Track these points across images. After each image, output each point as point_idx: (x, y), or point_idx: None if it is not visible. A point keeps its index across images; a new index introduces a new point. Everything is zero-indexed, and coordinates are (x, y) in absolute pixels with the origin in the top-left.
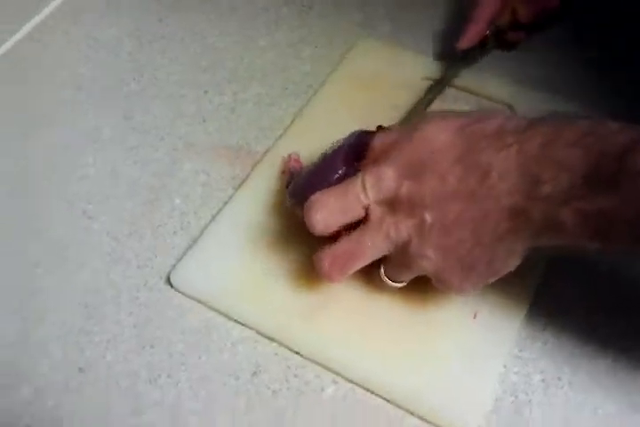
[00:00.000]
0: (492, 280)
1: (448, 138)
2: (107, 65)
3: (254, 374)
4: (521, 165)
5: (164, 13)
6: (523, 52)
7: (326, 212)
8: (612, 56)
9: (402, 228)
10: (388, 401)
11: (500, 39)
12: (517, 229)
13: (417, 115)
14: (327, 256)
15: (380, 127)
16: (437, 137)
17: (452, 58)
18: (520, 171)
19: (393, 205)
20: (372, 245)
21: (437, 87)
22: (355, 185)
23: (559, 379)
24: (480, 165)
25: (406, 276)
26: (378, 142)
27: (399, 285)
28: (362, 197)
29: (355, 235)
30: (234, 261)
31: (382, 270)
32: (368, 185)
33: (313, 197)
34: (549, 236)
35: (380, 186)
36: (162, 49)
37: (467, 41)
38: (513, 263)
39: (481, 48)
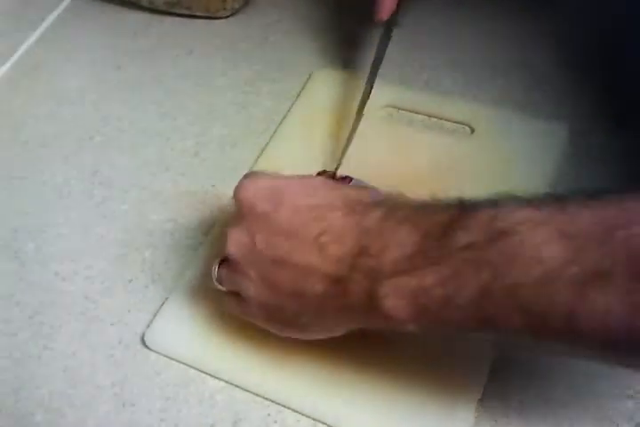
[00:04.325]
0: (299, 336)
1: (318, 189)
2: (71, 119)
3: (234, 423)
4: (356, 235)
5: (121, 60)
6: (477, 70)
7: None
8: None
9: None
10: None
11: None
12: (333, 295)
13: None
14: None
15: (323, 172)
16: (312, 183)
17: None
18: (352, 241)
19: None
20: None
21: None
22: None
23: None
24: (322, 222)
25: (231, 285)
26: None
27: (222, 288)
28: None
29: None
30: (204, 316)
31: (216, 268)
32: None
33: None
34: (371, 315)
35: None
36: (123, 98)
37: (387, 10)
38: (324, 330)
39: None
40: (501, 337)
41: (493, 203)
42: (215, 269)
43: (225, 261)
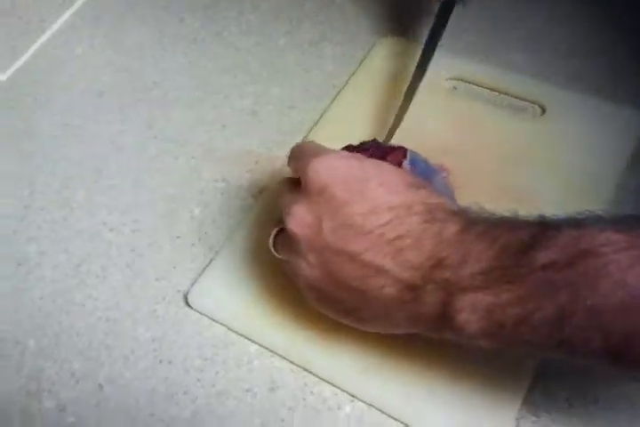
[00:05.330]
0: (353, 325)
1: (399, 186)
2: (129, 70)
3: (271, 390)
4: (434, 245)
5: (184, 13)
6: (552, 50)
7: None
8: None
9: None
10: (405, 425)
11: None
12: (404, 301)
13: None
14: None
15: (373, 141)
16: (392, 179)
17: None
18: (430, 251)
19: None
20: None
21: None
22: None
23: None
24: (400, 225)
25: (287, 256)
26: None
27: (279, 256)
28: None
29: None
30: (250, 280)
31: (272, 238)
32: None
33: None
34: (440, 326)
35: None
36: (183, 51)
37: None
38: (382, 328)
39: None
40: (577, 359)
41: (576, 222)
42: (272, 236)
43: (282, 231)
